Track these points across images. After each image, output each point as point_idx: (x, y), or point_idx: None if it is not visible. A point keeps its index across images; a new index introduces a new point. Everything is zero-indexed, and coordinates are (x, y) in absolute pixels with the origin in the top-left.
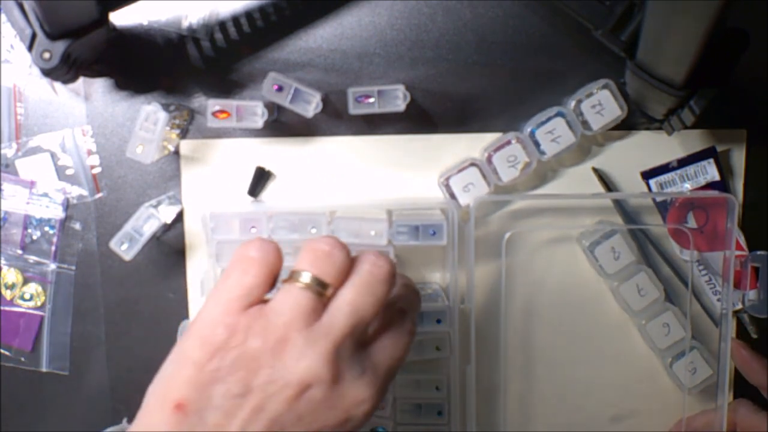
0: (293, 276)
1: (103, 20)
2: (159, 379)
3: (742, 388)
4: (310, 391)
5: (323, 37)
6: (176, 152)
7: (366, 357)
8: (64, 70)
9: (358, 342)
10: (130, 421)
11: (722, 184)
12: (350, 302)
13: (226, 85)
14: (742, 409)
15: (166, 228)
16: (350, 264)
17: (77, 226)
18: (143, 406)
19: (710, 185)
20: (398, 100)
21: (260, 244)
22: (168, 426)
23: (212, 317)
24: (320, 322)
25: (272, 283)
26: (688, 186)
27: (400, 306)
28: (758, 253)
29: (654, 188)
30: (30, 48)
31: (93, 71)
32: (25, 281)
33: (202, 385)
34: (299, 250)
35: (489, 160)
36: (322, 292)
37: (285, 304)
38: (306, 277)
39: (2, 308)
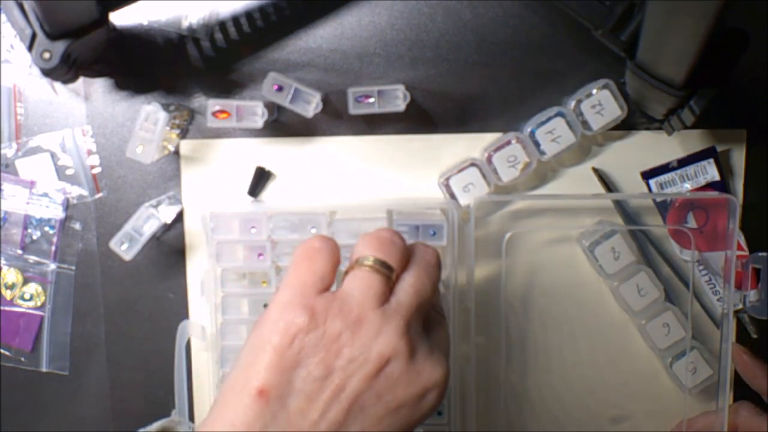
0: (359, 261)
1: (103, 20)
2: (237, 367)
3: (743, 388)
4: (389, 366)
5: (323, 37)
6: (176, 152)
7: (429, 338)
8: (64, 70)
9: (422, 324)
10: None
11: (722, 184)
12: (413, 284)
13: (226, 85)
14: (744, 411)
15: (166, 228)
16: (408, 251)
17: (77, 226)
18: (221, 395)
19: (710, 185)
20: (398, 100)
21: (322, 237)
22: (250, 414)
23: (290, 302)
24: (390, 302)
25: (336, 272)
26: (688, 186)
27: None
28: (759, 254)
29: (654, 188)
30: (30, 48)
31: (93, 71)
32: (25, 281)
33: (283, 369)
34: (360, 238)
35: (489, 160)
36: (389, 275)
37: (357, 286)
38: (374, 261)
39: (2, 308)
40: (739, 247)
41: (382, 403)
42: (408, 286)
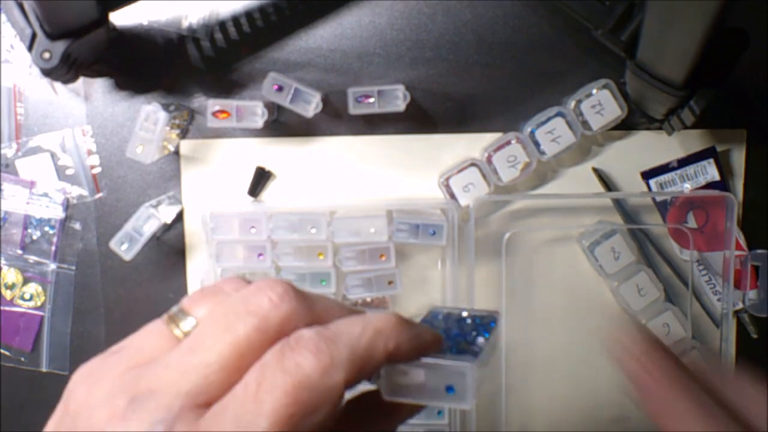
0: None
1: (103, 20)
2: None
3: None
4: None
5: (323, 37)
6: (176, 152)
7: None
8: (64, 70)
9: None
10: None
11: (722, 184)
12: None
13: (226, 85)
14: None
15: (166, 228)
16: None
17: (77, 226)
18: None
19: (710, 185)
20: (398, 100)
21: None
22: None
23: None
24: None
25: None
26: (688, 186)
27: None
28: (758, 251)
29: (654, 188)
30: (30, 48)
31: (93, 71)
32: (25, 281)
33: None
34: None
35: (489, 160)
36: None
37: None
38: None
39: (2, 308)
40: (739, 247)
41: None
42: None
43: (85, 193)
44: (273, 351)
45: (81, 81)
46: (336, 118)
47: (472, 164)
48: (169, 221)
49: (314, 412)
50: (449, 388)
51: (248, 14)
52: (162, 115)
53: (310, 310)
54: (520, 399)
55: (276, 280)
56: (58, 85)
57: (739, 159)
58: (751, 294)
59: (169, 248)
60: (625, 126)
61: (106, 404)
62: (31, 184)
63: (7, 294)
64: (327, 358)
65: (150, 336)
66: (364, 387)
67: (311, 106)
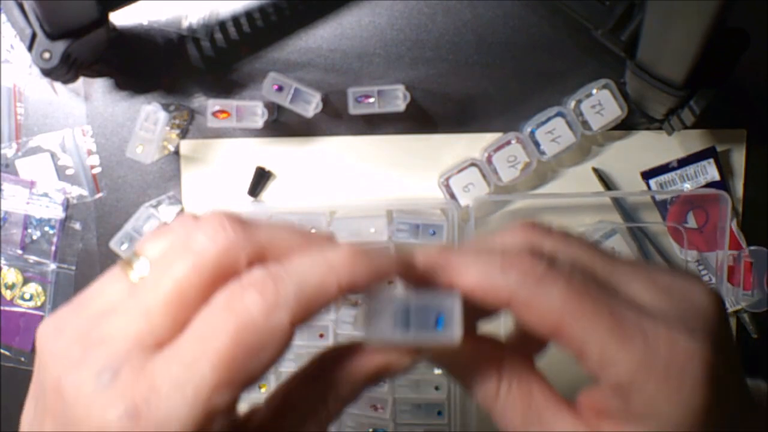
0: None
1: (103, 20)
2: None
3: None
4: None
5: (323, 37)
6: (176, 152)
7: None
8: (64, 70)
9: None
10: None
11: (722, 184)
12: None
13: (226, 85)
14: None
15: None
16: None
17: (77, 226)
18: None
19: (710, 185)
20: (398, 100)
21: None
22: None
23: None
24: None
25: None
26: (688, 186)
27: None
28: (754, 248)
29: (654, 188)
30: (30, 48)
31: (93, 71)
32: (25, 281)
33: None
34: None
35: (489, 160)
36: None
37: None
38: None
39: (2, 308)
40: (739, 246)
41: None
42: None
43: (85, 193)
44: (221, 291)
45: (81, 81)
46: (336, 118)
47: (472, 164)
48: (169, 221)
49: (259, 353)
50: (438, 321)
51: (248, 14)
52: (162, 115)
53: (253, 241)
54: None
55: (219, 213)
56: (58, 85)
57: (739, 159)
58: (752, 292)
59: None
60: (625, 126)
61: (64, 355)
62: (31, 184)
63: (7, 294)
64: (272, 297)
65: (108, 282)
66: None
67: (311, 106)
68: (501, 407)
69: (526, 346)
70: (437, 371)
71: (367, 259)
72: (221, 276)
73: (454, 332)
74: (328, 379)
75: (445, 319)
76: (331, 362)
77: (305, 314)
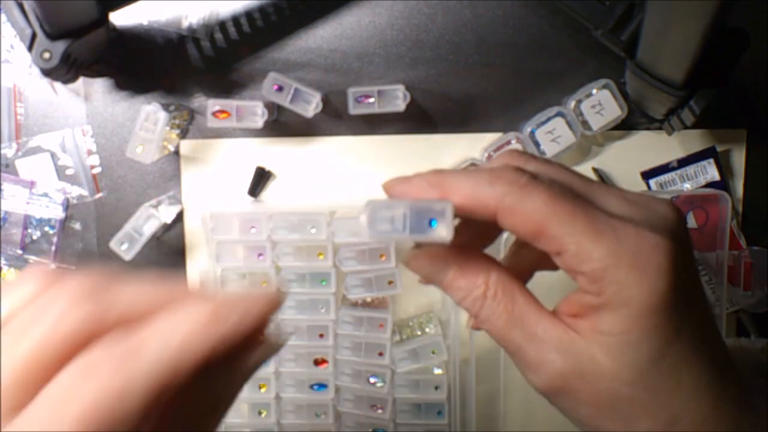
0: None
1: (103, 20)
2: None
3: None
4: None
5: (323, 37)
6: (176, 152)
7: None
8: (64, 70)
9: None
10: None
11: (722, 184)
12: None
13: (226, 85)
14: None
15: (166, 228)
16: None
17: (77, 226)
18: None
19: (710, 185)
20: (398, 100)
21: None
22: None
23: None
24: None
25: None
26: (688, 186)
27: None
28: (754, 248)
29: (654, 188)
30: (30, 48)
31: (93, 71)
32: None
33: None
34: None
35: (489, 160)
36: None
37: None
38: None
39: None
40: (738, 245)
41: None
42: None
43: (85, 193)
44: (67, 371)
45: (81, 81)
46: (336, 118)
47: (472, 164)
48: (169, 221)
49: (122, 419)
50: (431, 222)
51: (248, 14)
52: (162, 115)
53: (112, 311)
54: (520, 399)
55: (75, 279)
56: (58, 85)
57: (739, 159)
58: (752, 292)
59: (169, 248)
60: (625, 126)
61: None
62: (31, 184)
63: None
64: (121, 381)
65: None
66: None
67: (311, 106)
68: (486, 310)
69: (515, 270)
70: (437, 371)
71: (227, 322)
72: (80, 343)
73: (445, 230)
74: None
75: (438, 221)
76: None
77: (164, 389)
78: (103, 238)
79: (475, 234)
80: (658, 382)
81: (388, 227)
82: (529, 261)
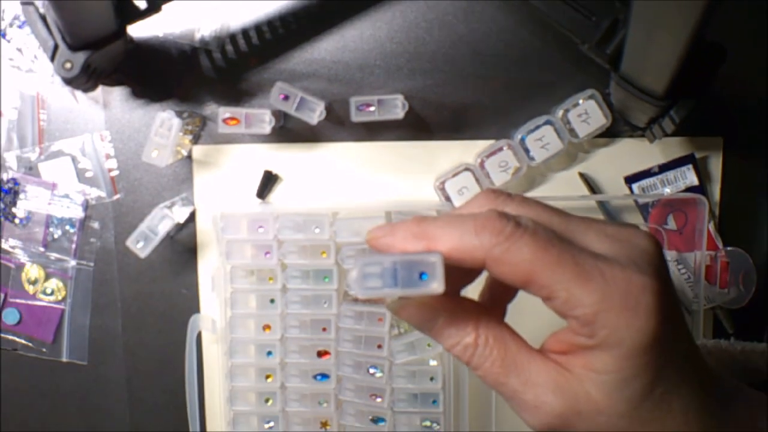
0: None
1: (121, 33)
2: None
3: None
4: None
5: (327, 49)
6: (189, 157)
7: None
8: (84, 80)
9: None
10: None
11: (700, 189)
12: None
13: (236, 94)
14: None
15: (179, 227)
16: None
17: (96, 225)
18: None
19: (689, 189)
20: (397, 108)
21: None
22: None
23: None
24: None
25: None
26: (668, 190)
27: None
28: (730, 248)
29: (636, 192)
30: (52, 59)
31: (111, 80)
32: (47, 277)
33: None
34: None
35: (482, 165)
36: None
37: None
38: None
39: (26, 302)
40: (714, 246)
41: None
42: None
43: (103, 194)
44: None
45: (100, 89)
46: (338, 125)
47: (466, 169)
48: (182, 221)
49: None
50: (422, 275)
51: (257, 28)
52: (176, 122)
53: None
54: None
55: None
56: (78, 93)
57: (716, 165)
58: (728, 290)
59: (182, 247)
60: (610, 134)
61: None
62: (53, 186)
63: (30, 289)
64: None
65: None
66: None
67: (315, 113)
68: (479, 358)
69: (494, 303)
70: (433, 362)
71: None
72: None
73: (436, 283)
74: None
75: (429, 274)
76: None
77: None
78: (120, 236)
79: (456, 276)
80: (651, 412)
81: (378, 283)
82: (504, 296)
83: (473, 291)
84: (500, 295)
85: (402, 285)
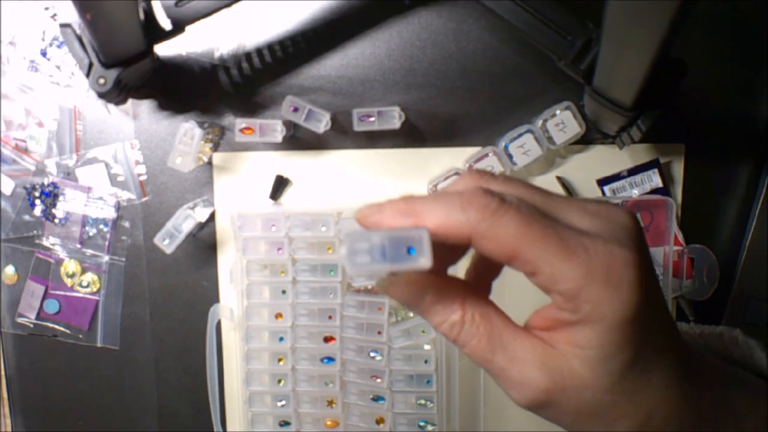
0: None
1: (149, 51)
2: None
3: None
4: None
5: (332, 66)
6: (209, 163)
7: None
8: (116, 93)
9: None
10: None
11: (665, 190)
12: None
13: (251, 106)
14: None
15: (201, 226)
16: None
17: (127, 224)
18: None
19: (655, 191)
20: (394, 119)
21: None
22: None
23: None
24: None
25: None
26: (636, 192)
27: None
28: (694, 245)
29: (608, 193)
30: (87, 75)
31: (140, 94)
32: (83, 271)
33: None
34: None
35: (470, 169)
36: None
37: None
38: None
39: (64, 293)
40: (678, 243)
41: None
42: None
43: (133, 196)
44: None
45: (130, 102)
46: (342, 134)
47: (456, 173)
48: (203, 221)
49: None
50: (410, 250)
51: (269, 47)
52: (197, 132)
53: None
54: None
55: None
56: (111, 106)
57: (678, 169)
58: (688, 282)
59: (204, 243)
60: (584, 141)
61: None
62: (89, 189)
63: (68, 281)
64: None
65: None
66: None
67: (322, 123)
68: (466, 335)
69: (480, 281)
70: (427, 347)
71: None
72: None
73: (424, 258)
74: None
75: (416, 249)
76: None
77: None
78: (148, 234)
79: (443, 254)
80: (633, 385)
81: (367, 259)
82: (489, 274)
83: (459, 272)
84: (485, 272)
85: (390, 260)
